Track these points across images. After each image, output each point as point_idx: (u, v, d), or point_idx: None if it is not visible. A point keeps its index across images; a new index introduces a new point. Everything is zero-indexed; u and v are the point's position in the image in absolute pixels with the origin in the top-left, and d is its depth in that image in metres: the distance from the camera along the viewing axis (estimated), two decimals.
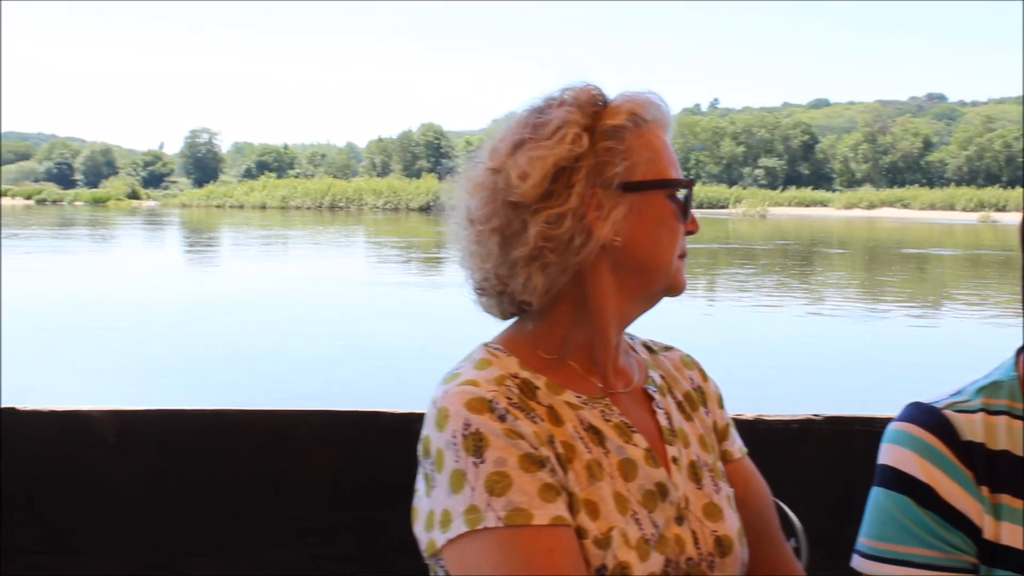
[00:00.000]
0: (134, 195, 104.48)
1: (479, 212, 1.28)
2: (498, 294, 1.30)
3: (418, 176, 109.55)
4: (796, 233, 51.12)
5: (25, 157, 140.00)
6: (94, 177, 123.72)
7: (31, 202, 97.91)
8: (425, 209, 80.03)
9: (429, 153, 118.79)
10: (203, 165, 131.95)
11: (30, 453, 1.94)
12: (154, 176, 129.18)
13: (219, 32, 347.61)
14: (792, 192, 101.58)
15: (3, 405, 1.93)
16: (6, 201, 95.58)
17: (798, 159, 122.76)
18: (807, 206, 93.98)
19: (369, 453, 1.95)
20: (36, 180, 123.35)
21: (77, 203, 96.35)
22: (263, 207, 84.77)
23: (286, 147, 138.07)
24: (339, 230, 50.96)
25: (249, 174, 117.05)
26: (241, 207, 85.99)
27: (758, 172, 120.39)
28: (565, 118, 1.26)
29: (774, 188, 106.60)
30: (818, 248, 39.74)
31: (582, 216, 1.25)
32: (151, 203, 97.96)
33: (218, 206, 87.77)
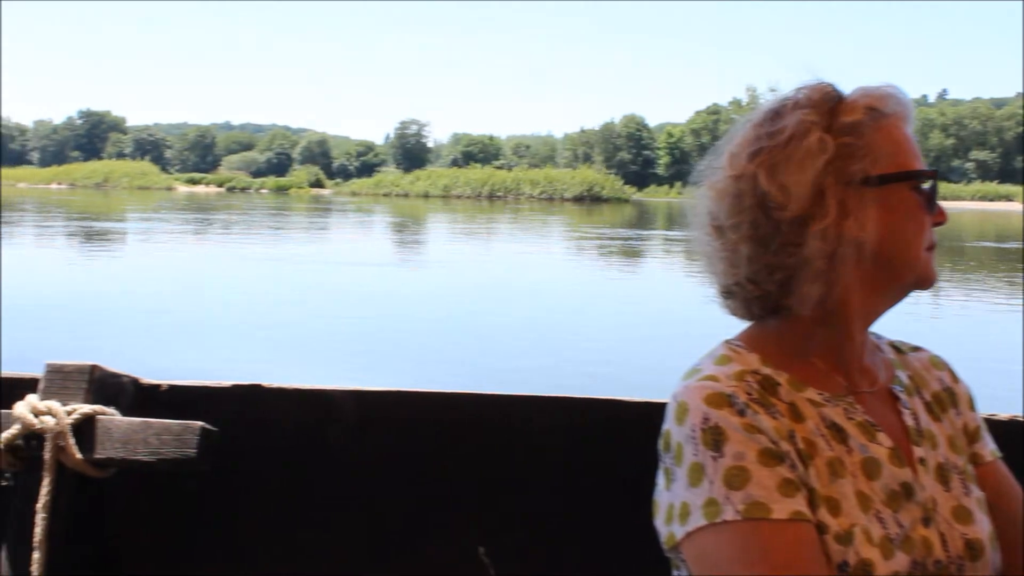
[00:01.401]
0: (318, 183, 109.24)
1: (728, 220, 1.29)
2: (754, 298, 1.30)
3: (619, 167, 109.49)
4: (980, 230, 47.60)
5: (248, 147, 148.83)
6: (311, 166, 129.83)
7: (222, 189, 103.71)
8: (579, 199, 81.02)
9: (630, 144, 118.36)
10: (412, 155, 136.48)
11: (273, 430, 1.98)
12: (366, 165, 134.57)
13: (439, 26, 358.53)
14: (976, 186, 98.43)
15: (249, 382, 1.97)
16: (200, 188, 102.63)
17: (1012, 152, 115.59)
18: (991, 200, 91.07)
19: (605, 442, 1.91)
20: (256, 170, 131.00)
21: (263, 191, 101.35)
22: (426, 195, 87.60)
23: (491, 138, 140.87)
24: (528, 218, 51.55)
25: (455, 164, 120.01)
26: (406, 195, 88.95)
27: (968, 165, 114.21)
28: (802, 121, 1.26)
29: (990, 181, 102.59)
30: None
31: (821, 213, 1.24)
32: (326, 191, 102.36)
33: (385, 194, 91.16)
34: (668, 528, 1.21)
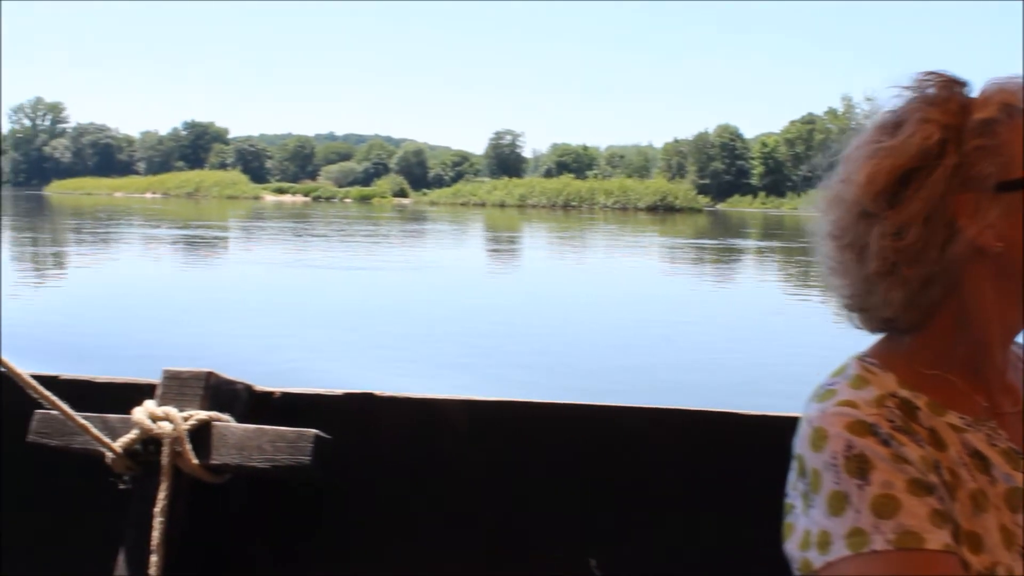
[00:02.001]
0: (401, 193, 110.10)
1: (835, 227, 1.23)
2: (860, 310, 1.25)
3: (712, 177, 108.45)
4: None
5: (347, 158, 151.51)
6: (407, 176, 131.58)
7: (308, 199, 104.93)
8: (652, 209, 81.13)
9: (724, 155, 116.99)
10: (506, 165, 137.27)
11: (384, 439, 1.99)
12: (460, 175, 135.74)
13: (543, 39, 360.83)
14: None
15: (361, 391, 1.98)
16: (287, 198, 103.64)
17: None
18: None
19: (718, 454, 1.88)
20: (353, 179, 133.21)
21: (347, 200, 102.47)
22: (502, 205, 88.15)
23: (585, 148, 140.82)
24: (615, 228, 51.33)
25: (549, 174, 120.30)
26: (483, 205, 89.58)
27: None
28: (919, 118, 1.18)
29: None
30: None
31: (939, 221, 1.16)
32: (406, 201, 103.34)
33: (463, 203, 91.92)
34: (803, 554, 1.15)
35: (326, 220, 53.86)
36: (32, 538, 2.08)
